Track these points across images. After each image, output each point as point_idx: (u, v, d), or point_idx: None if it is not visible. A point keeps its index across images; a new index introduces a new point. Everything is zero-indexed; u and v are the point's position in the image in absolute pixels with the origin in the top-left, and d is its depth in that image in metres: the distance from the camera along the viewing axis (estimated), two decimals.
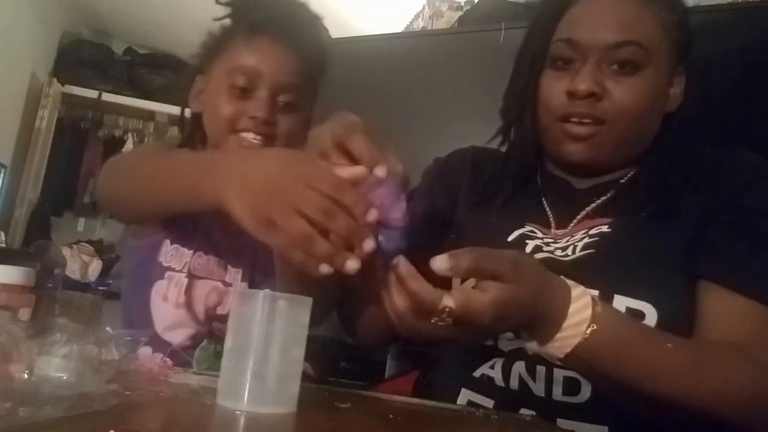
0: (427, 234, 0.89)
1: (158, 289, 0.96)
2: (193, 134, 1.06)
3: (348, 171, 0.58)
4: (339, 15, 3.10)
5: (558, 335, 0.60)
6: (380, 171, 0.57)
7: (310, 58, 0.98)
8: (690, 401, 0.63)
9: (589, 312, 0.60)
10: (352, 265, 0.54)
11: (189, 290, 0.95)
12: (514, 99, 0.86)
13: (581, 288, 0.62)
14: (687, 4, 0.84)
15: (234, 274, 0.98)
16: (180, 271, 0.96)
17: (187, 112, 1.05)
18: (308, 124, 1.02)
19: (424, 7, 2.40)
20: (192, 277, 0.96)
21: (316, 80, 1.02)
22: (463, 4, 2.20)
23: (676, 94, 0.81)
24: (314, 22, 1.01)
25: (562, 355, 0.61)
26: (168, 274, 0.96)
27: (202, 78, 1.01)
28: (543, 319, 0.60)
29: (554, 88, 0.79)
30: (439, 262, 0.55)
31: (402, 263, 0.56)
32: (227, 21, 1.00)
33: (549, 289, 0.61)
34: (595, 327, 0.60)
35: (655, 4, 0.77)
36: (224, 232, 0.98)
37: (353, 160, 0.58)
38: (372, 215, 0.55)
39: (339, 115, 0.63)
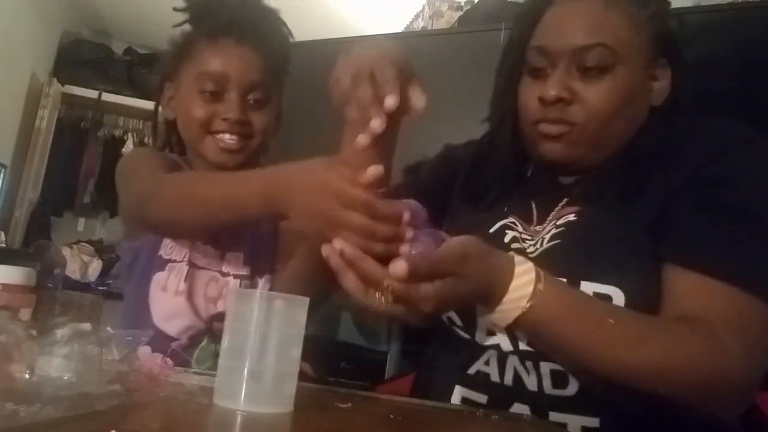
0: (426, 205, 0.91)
1: (157, 279, 0.97)
2: (170, 140, 1.09)
3: (369, 174, 0.64)
4: (339, 15, 3.10)
5: (498, 308, 0.65)
6: (390, 101, 0.63)
7: (273, 53, 1.00)
8: (634, 375, 0.65)
9: (530, 289, 0.65)
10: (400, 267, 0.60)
11: (189, 278, 0.96)
12: (495, 109, 0.89)
13: (528, 264, 0.67)
14: None
15: (234, 261, 1.00)
16: (181, 261, 0.97)
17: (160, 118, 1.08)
18: (280, 116, 1.06)
19: (424, 7, 2.40)
20: (193, 265, 0.97)
21: (281, 72, 1.05)
22: (463, 4, 2.21)
23: (660, 88, 0.81)
24: (271, 17, 1.03)
25: (503, 324, 0.67)
26: (169, 265, 0.97)
27: (170, 85, 1.03)
28: (487, 294, 0.66)
29: (529, 95, 0.81)
30: (399, 268, 0.59)
31: (347, 247, 0.61)
32: (187, 27, 1.02)
33: (494, 269, 0.66)
34: (532, 303, 0.65)
35: (621, 3, 0.78)
36: None
37: (376, 87, 0.64)
38: (407, 216, 0.64)
39: (379, 42, 0.69)
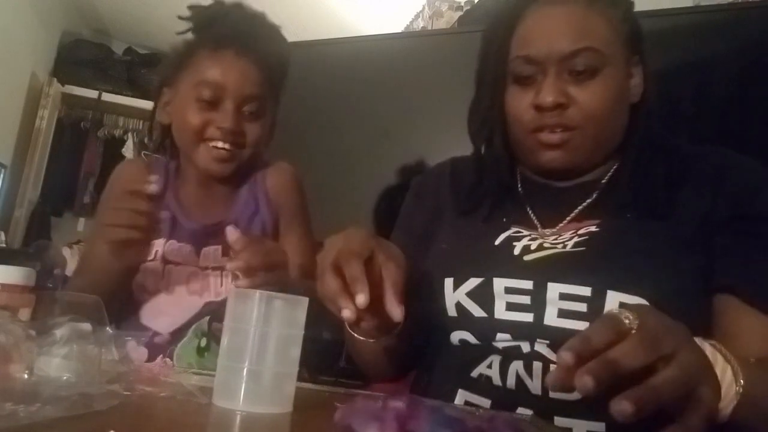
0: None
1: (137, 282, 1.00)
2: (163, 144, 1.11)
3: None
4: (339, 15, 3.10)
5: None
6: (360, 299, 0.60)
7: (271, 68, 1.03)
8: None
9: (729, 371, 0.57)
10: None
11: (167, 275, 0.99)
12: (482, 120, 0.87)
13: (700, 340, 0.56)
14: None
15: (212, 255, 1.00)
16: (153, 260, 0.99)
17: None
18: (273, 126, 1.08)
19: (424, 7, 2.40)
20: (168, 262, 0.99)
21: (278, 87, 1.07)
22: (463, 4, 2.21)
23: (636, 85, 0.83)
24: (272, 32, 1.05)
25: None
26: (144, 266, 0.99)
27: (168, 90, 1.05)
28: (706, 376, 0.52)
29: (521, 104, 0.81)
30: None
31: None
32: (190, 35, 1.03)
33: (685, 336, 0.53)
34: (742, 385, 0.56)
35: (599, 5, 0.80)
36: (195, 219, 1.02)
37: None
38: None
39: (353, 232, 0.68)
